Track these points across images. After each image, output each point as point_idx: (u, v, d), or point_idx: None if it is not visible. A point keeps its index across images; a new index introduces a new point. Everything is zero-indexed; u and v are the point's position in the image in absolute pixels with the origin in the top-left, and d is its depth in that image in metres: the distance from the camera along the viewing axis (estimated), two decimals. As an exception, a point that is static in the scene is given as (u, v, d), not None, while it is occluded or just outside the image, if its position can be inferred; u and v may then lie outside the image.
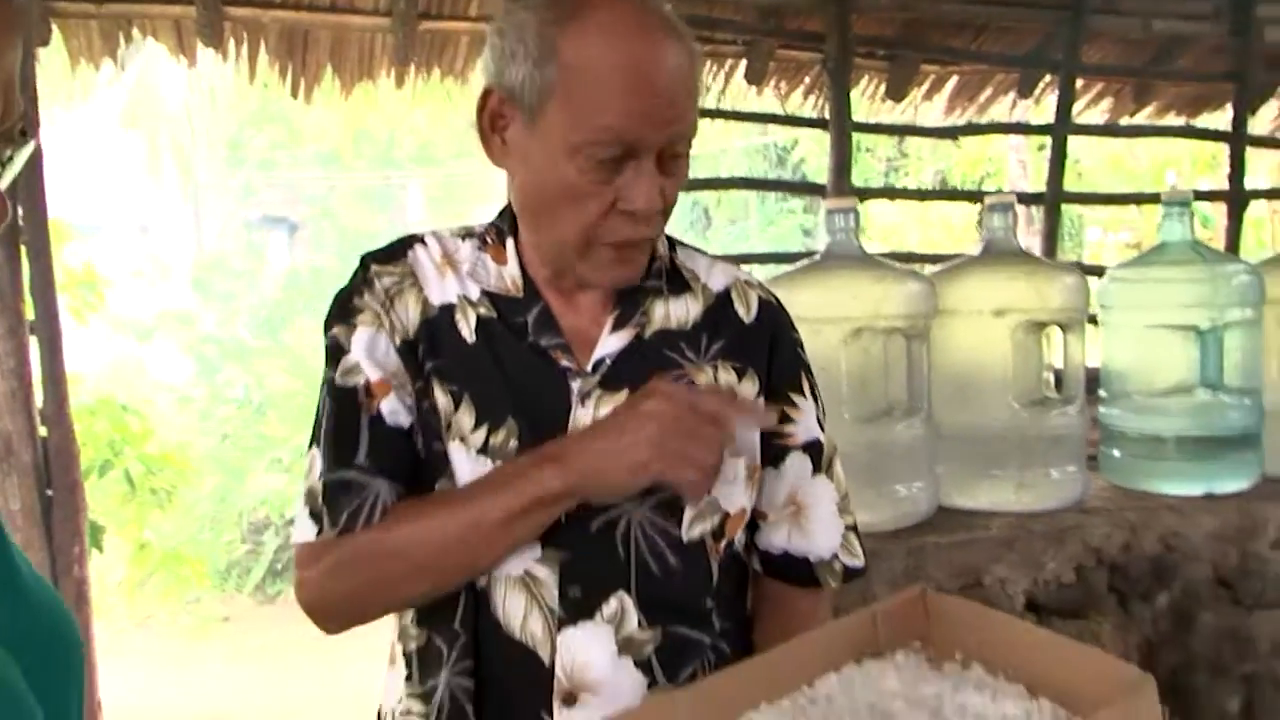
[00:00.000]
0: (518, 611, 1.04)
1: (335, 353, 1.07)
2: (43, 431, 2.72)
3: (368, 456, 1.04)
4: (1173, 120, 3.64)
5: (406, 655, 1.10)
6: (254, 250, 10.69)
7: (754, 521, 1.15)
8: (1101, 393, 2.05)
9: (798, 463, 1.14)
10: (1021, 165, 8.87)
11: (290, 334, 6.93)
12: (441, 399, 1.04)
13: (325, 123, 10.41)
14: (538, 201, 1.02)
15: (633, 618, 1.05)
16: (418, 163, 12.84)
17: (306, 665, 4.97)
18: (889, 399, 1.71)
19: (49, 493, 2.78)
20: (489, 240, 1.10)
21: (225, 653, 5.09)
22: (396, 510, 1.04)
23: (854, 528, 1.17)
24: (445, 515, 1.02)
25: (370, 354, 1.05)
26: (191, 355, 6.83)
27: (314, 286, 7.34)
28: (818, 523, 1.16)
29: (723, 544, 1.09)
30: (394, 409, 1.05)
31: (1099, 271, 2.24)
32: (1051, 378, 2.01)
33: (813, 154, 10.40)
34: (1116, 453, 1.99)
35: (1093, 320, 2.14)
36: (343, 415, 1.06)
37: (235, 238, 11.29)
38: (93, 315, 3.91)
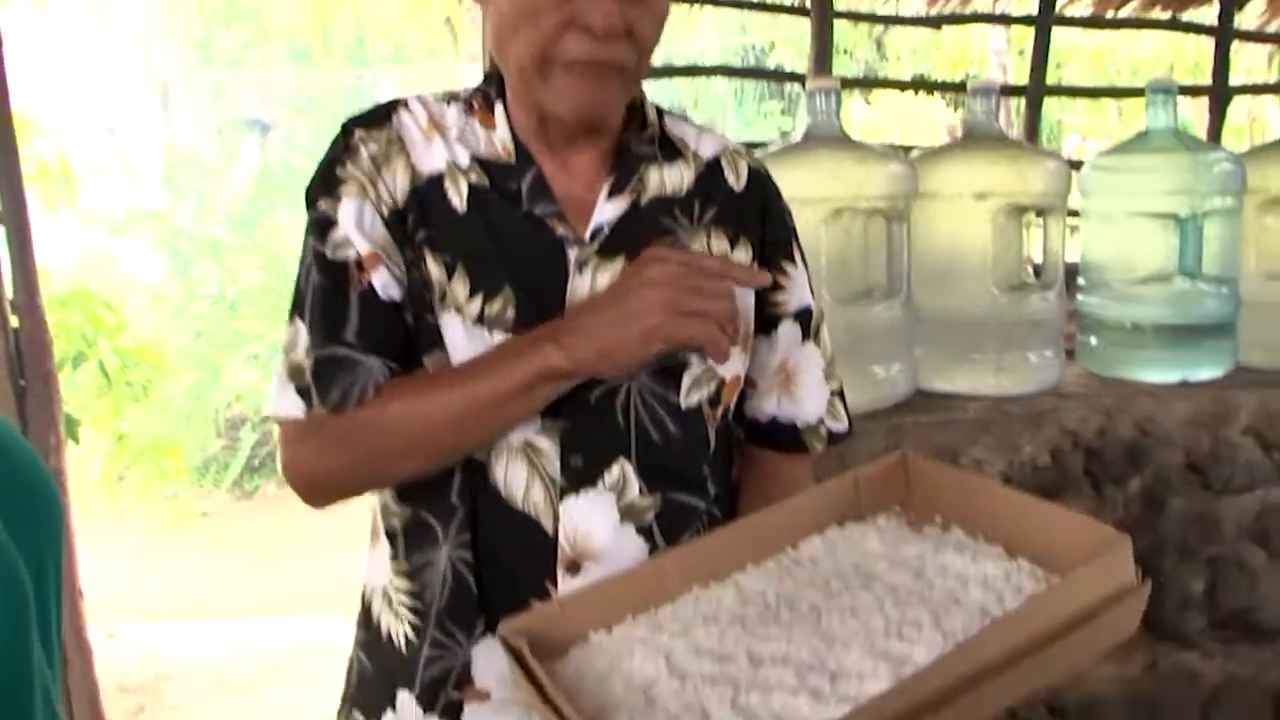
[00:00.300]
0: (519, 482, 1.04)
1: (322, 225, 1.04)
2: (14, 322, 2.69)
3: (358, 333, 1.02)
4: (1159, 15, 3.59)
5: (390, 533, 1.10)
6: (225, 150, 10.50)
7: (742, 390, 1.16)
8: (1080, 281, 2.05)
9: (789, 330, 1.15)
10: (1002, 69, 8.78)
11: (264, 230, 6.86)
12: (434, 269, 1.02)
13: (294, 19, 10.16)
14: (502, 30, 1.00)
15: (634, 485, 1.05)
16: (390, 62, 12.56)
17: (285, 559, 5.02)
18: (868, 281, 1.71)
19: (22, 383, 2.75)
20: (475, 105, 1.07)
21: (203, 547, 5.13)
22: (390, 387, 1.02)
23: (839, 393, 1.18)
24: (443, 393, 1.00)
25: (359, 226, 1.02)
26: (164, 251, 6.74)
27: (287, 183, 7.22)
28: (805, 388, 1.17)
29: (719, 411, 1.10)
30: (385, 282, 1.02)
31: (1078, 166, 2.22)
32: (1030, 267, 2.00)
33: (790, 58, 10.27)
34: (1094, 340, 1.99)
35: (1073, 215, 2.13)
36: (332, 289, 1.03)
37: (206, 138, 11.07)
38: (65, 208, 3.84)
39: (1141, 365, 1.94)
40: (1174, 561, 1.94)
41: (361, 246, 1.02)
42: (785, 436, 1.17)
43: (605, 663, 0.94)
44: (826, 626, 0.92)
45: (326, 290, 1.03)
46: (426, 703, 1.07)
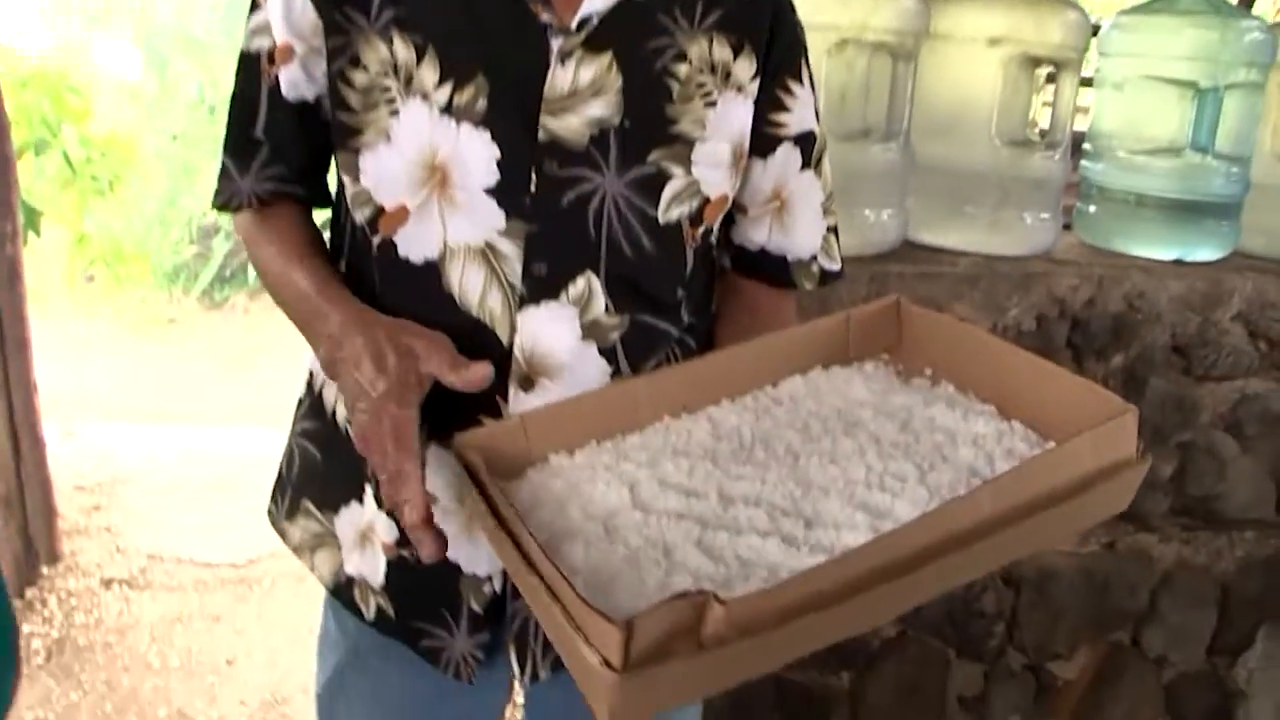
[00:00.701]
0: (475, 286, 0.97)
1: (251, 7, 0.99)
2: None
3: (265, 129, 1.00)
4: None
5: None
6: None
7: (731, 215, 1.08)
8: (1086, 146, 1.96)
9: (787, 155, 1.06)
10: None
11: (248, 34, 6.57)
12: (401, 51, 0.94)
13: None
14: None
15: (599, 301, 0.98)
16: None
17: (250, 371, 4.98)
18: (867, 120, 1.61)
19: (-25, 162, 2.63)
20: None
21: (169, 354, 5.07)
22: (276, 229, 1.01)
23: (835, 230, 1.10)
24: (283, 286, 0.99)
25: (286, 13, 0.96)
26: (142, 47, 6.47)
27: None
28: (800, 220, 1.09)
29: (700, 231, 1.02)
30: (293, 80, 0.98)
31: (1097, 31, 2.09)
32: (1037, 131, 1.90)
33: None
34: (1093, 209, 1.91)
35: (1086, 84, 2.02)
36: (244, 82, 1.01)
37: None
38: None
39: (1138, 239, 1.86)
40: (1146, 443, 1.90)
41: (279, 35, 0.96)
42: (774, 269, 1.10)
43: (563, 487, 0.88)
44: (804, 470, 0.86)
45: (239, 83, 1.01)
46: (379, 500, 1.03)
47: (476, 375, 0.87)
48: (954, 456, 0.85)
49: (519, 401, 0.99)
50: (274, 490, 1.18)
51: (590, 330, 0.99)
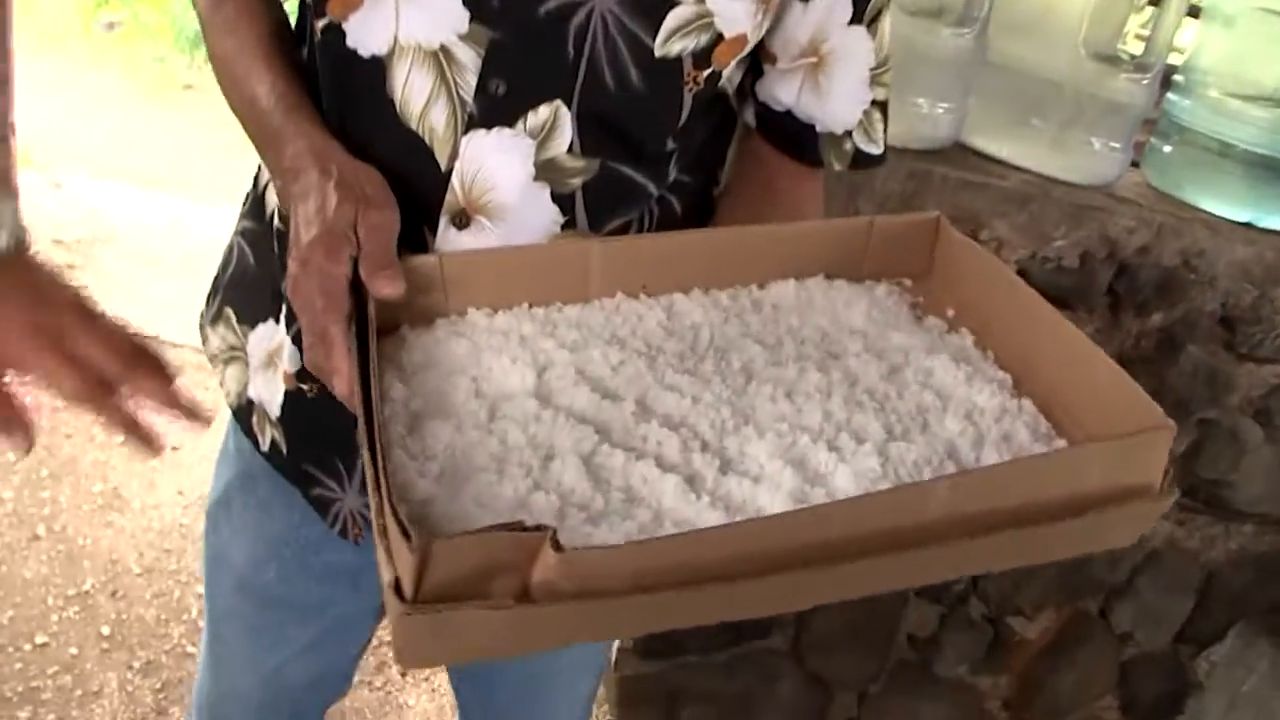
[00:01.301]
0: (420, 94, 0.81)
1: None
2: None
3: None
4: None
5: None
6: None
7: (759, 65, 0.90)
8: (1177, 78, 1.75)
9: (833, 2, 0.87)
10: None
11: None
12: None
13: None
14: None
15: (564, 138, 0.81)
16: None
17: (254, 155, 4.80)
18: (943, -2, 1.41)
19: None
20: None
21: (177, 121, 4.88)
22: (242, 22, 0.88)
23: (883, 106, 0.91)
24: (236, 92, 0.87)
25: None
26: None
27: None
28: (839, 84, 0.90)
29: (705, 74, 0.84)
30: None
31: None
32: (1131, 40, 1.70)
33: None
34: (1168, 149, 1.71)
35: (1193, 14, 1.80)
36: None
37: None
38: None
39: (1212, 192, 1.67)
40: (1167, 413, 1.76)
41: None
42: (797, 138, 0.92)
43: (466, 352, 0.74)
44: (750, 398, 0.71)
45: None
46: (291, 323, 0.92)
47: (387, 289, 0.72)
48: (936, 426, 0.70)
49: (448, 240, 0.84)
50: (209, 290, 1.06)
51: (546, 170, 0.83)
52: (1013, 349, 0.77)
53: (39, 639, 1.99)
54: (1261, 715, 1.95)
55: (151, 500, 2.42)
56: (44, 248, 3.20)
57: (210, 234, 3.61)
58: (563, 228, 0.85)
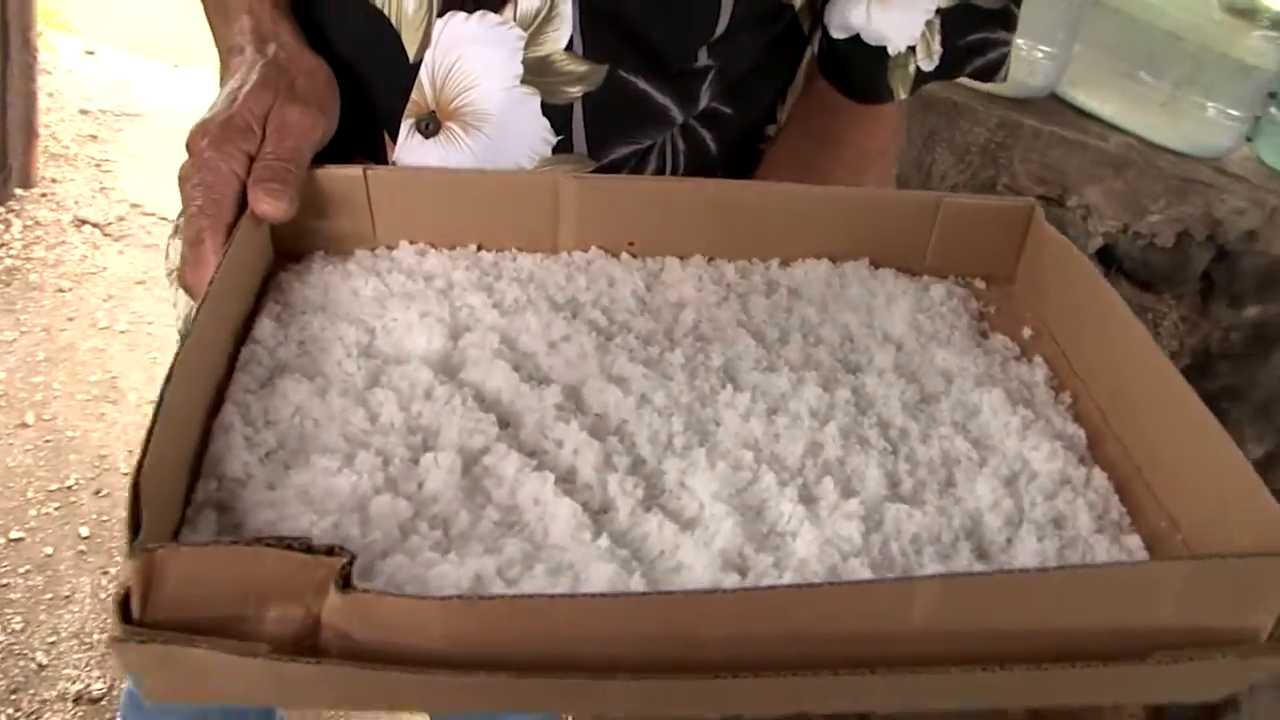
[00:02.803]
0: None
1: None
2: None
3: None
4: None
5: None
6: None
7: None
8: (1310, 44, 1.56)
9: None
10: None
11: None
12: None
13: None
14: None
15: (563, 32, 0.65)
16: None
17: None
18: (1059, -77, 1.22)
19: None
20: None
21: None
22: None
23: (951, 13, 0.73)
24: None
25: None
26: None
27: None
28: None
29: None
30: None
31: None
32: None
33: None
34: (1288, 123, 1.53)
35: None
36: None
37: None
38: None
39: (1332, 176, 1.49)
40: (1239, 414, 1.60)
41: None
42: (869, 72, 0.75)
43: (372, 298, 0.59)
44: (717, 409, 0.54)
45: None
46: None
47: (263, 205, 0.57)
48: (963, 489, 0.53)
49: (411, 149, 0.68)
50: None
51: (537, 71, 0.66)
52: (1100, 396, 0.60)
53: (14, 533, 1.88)
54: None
55: (149, 394, 2.30)
56: (67, 117, 3.07)
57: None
58: (555, 150, 0.69)
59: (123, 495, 1.99)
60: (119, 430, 2.19)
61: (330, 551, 0.38)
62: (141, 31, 3.96)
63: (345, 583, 0.37)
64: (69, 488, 2.02)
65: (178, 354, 0.46)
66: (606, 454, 0.51)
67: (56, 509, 1.97)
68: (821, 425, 0.55)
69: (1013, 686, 0.44)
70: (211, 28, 0.69)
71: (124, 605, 0.38)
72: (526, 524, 0.47)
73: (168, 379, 0.44)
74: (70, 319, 2.45)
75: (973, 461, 0.54)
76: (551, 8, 0.64)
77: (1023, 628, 0.42)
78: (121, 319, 2.50)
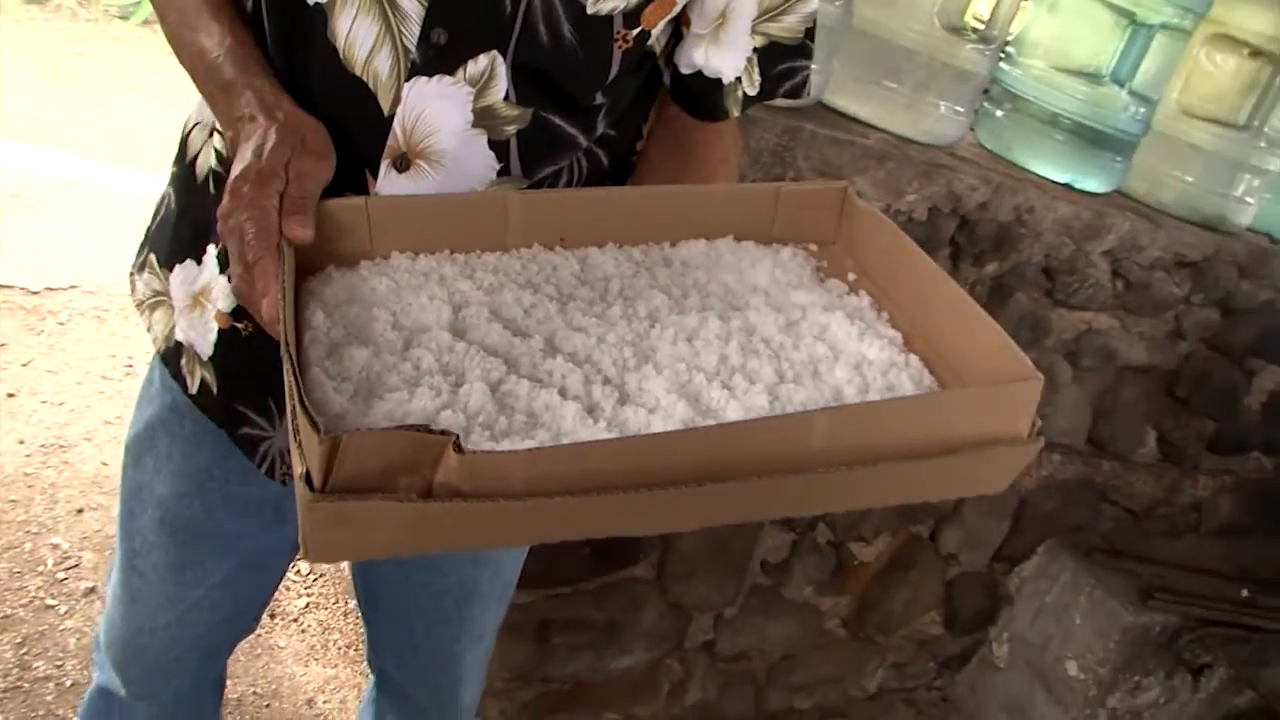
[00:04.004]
0: (365, 41, 0.84)
1: None
2: None
3: None
4: None
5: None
6: None
7: (679, 31, 0.97)
8: (1010, 50, 1.92)
9: None
10: None
11: None
12: None
13: None
14: None
15: (500, 88, 0.87)
16: None
17: (71, 85, 4.56)
18: (817, -32, 1.51)
19: None
20: None
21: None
22: None
23: (763, 51, 0.98)
24: (186, 49, 0.89)
25: None
26: None
27: None
28: (733, 37, 0.98)
29: (634, 33, 0.90)
30: None
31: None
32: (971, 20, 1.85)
33: None
34: (1000, 114, 1.89)
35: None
36: None
37: None
38: None
39: (1037, 155, 1.86)
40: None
41: None
42: (708, 97, 0.99)
43: (387, 289, 0.79)
44: (652, 341, 0.77)
45: None
46: (225, 263, 0.93)
47: (295, 231, 0.77)
48: (826, 374, 0.76)
49: (389, 183, 0.88)
50: (140, 242, 1.07)
51: (483, 117, 0.88)
52: (906, 310, 0.84)
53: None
54: (1061, 620, 2.19)
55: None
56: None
57: (26, 170, 3.42)
58: (498, 174, 0.91)
59: None
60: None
61: (443, 433, 0.58)
62: (23, 122, 3.81)
63: (458, 448, 0.57)
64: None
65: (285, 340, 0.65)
66: (585, 375, 0.73)
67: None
68: (725, 343, 0.78)
69: (880, 482, 0.69)
70: (211, 102, 0.87)
71: (306, 481, 0.57)
72: (545, 422, 0.68)
73: (286, 353, 0.64)
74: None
75: (830, 358, 0.79)
76: (492, 70, 0.86)
77: (880, 440, 0.67)
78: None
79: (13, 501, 2.20)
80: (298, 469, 0.57)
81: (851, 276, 0.90)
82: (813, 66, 1.46)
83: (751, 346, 0.78)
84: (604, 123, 0.96)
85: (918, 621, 2.29)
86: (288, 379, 0.62)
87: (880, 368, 0.78)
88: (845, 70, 1.63)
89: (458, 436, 0.57)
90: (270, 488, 1.03)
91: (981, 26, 1.68)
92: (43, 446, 2.36)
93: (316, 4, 0.84)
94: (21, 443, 2.36)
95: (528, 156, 0.92)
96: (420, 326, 0.76)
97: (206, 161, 0.96)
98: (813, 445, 0.65)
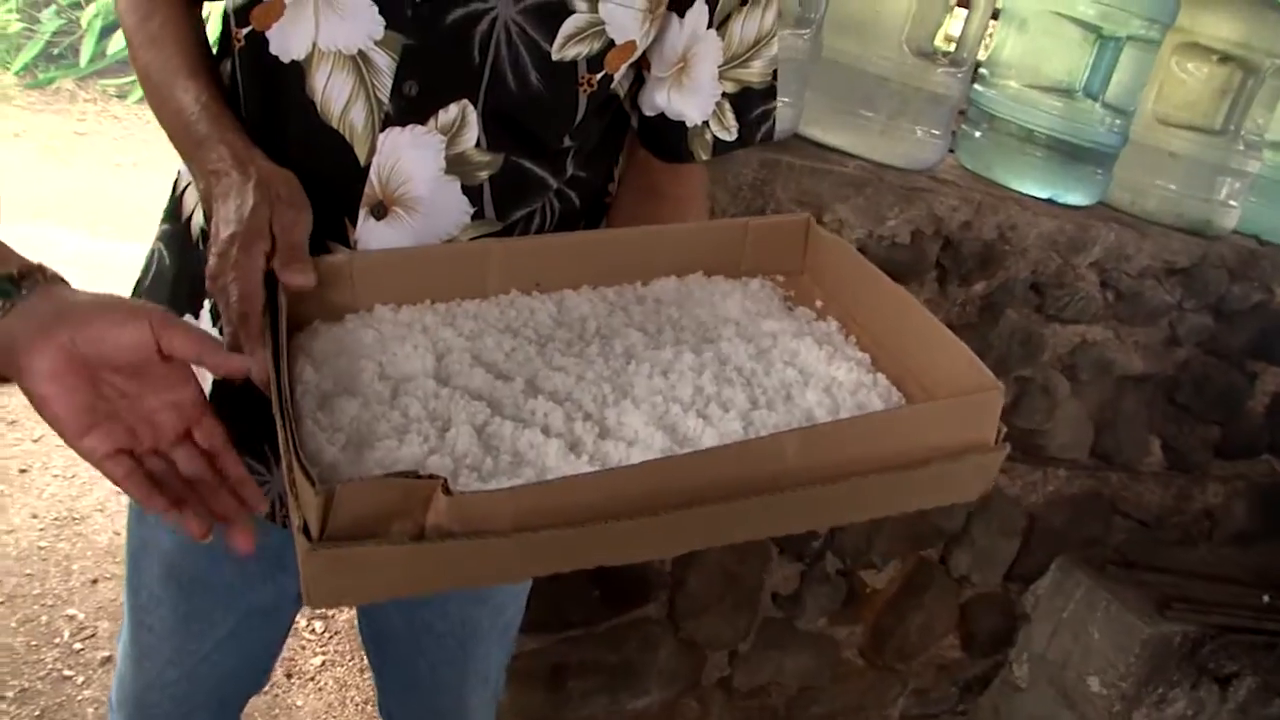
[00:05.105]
0: (340, 96, 0.88)
1: None
2: None
3: None
4: None
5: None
6: None
7: (641, 74, 1.00)
8: (983, 71, 1.95)
9: (699, 12, 0.97)
10: None
11: None
12: None
13: None
14: None
15: (471, 135, 0.90)
16: None
17: (70, 164, 4.63)
18: (783, 2, 1.54)
19: None
20: None
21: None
22: (161, 26, 0.93)
23: (736, 97, 1.02)
24: (161, 101, 0.91)
25: None
26: None
27: None
28: (697, 81, 1.01)
29: (598, 77, 0.93)
30: None
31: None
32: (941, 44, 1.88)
33: None
34: (978, 135, 1.91)
35: (994, 17, 2.00)
36: None
37: None
38: None
39: (1017, 173, 1.87)
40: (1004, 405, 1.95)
41: None
42: (671, 138, 1.02)
43: (373, 341, 0.81)
44: (628, 377, 0.79)
45: None
46: (217, 316, 0.97)
47: (299, 280, 0.79)
48: (798, 398, 0.79)
49: (368, 230, 0.91)
50: (131, 295, 1.10)
51: (456, 164, 0.91)
52: (873, 333, 0.87)
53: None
54: (1080, 636, 2.18)
55: (5, 526, 2.35)
56: None
57: (29, 251, 3.47)
58: (472, 218, 0.94)
59: (3, 624, 2.06)
60: (-19, 562, 2.23)
61: (431, 477, 0.60)
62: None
63: (447, 490, 0.60)
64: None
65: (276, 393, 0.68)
66: (566, 413, 0.75)
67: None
68: (699, 375, 0.80)
69: (856, 497, 0.71)
70: (186, 157, 0.90)
71: (304, 532, 0.59)
72: (530, 460, 0.71)
73: (280, 409, 0.66)
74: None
75: (800, 382, 0.81)
76: (463, 118, 0.89)
77: (852, 456, 0.69)
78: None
79: (28, 575, 2.22)
80: (295, 521, 0.60)
81: (819, 303, 0.93)
82: (784, 100, 1.49)
83: (725, 376, 0.80)
84: (573, 164, 0.99)
85: (936, 646, 2.27)
86: (281, 434, 0.65)
87: (849, 388, 0.80)
88: (818, 101, 1.65)
89: (446, 479, 0.60)
90: (272, 535, 1.05)
91: (951, 50, 1.71)
92: (56, 519, 2.38)
93: (293, 61, 0.88)
94: (35, 517, 2.38)
95: (500, 200, 0.95)
96: (406, 375, 0.78)
97: (198, 221, 0.99)
98: (786, 465, 0.67)
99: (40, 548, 2.30)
